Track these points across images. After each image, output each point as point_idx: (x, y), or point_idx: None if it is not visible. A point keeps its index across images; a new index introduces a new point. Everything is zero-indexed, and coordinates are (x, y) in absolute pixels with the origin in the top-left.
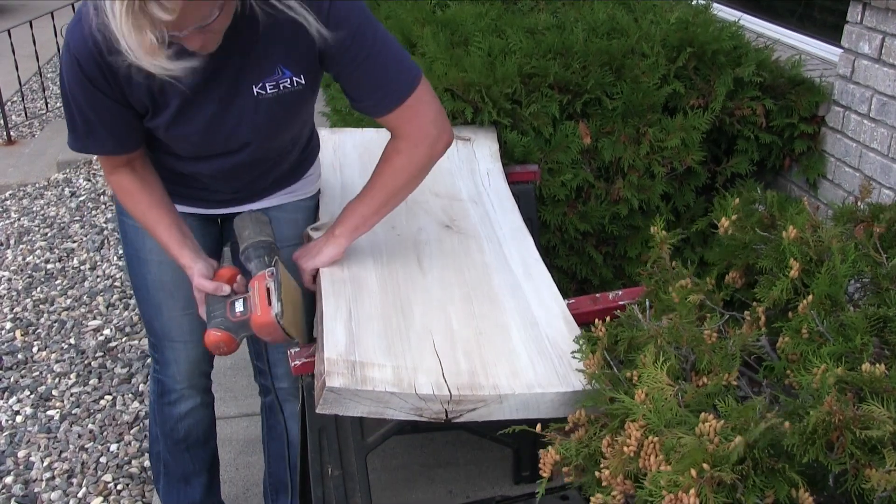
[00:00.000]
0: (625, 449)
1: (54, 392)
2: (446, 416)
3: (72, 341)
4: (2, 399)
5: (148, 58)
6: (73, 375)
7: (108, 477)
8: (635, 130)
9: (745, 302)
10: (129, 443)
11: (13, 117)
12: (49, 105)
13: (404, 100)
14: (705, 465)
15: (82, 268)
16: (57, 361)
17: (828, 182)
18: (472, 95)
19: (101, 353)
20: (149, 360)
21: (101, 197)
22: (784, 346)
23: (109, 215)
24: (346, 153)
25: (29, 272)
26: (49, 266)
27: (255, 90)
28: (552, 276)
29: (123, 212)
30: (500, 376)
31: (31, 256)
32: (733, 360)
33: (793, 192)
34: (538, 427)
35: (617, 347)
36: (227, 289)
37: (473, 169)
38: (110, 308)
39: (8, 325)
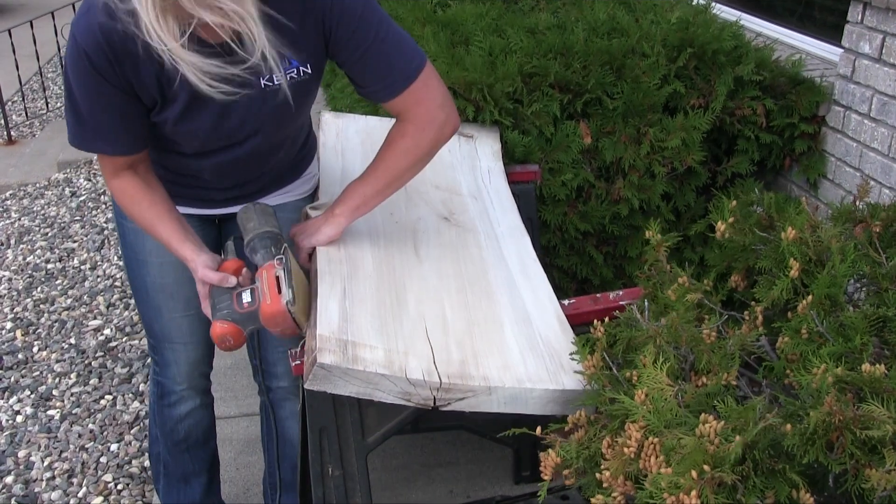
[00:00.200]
0: (625, 450)
1: (55, 392)
2: (434, 402)
3: (72, 341)
4: (2, 399)
5: (171, 43)
6: (73, 375)
7: (108, 477)
8: (636, 130)
9: (744, 302)
10: (130, 443)
11: (13, 117)
12: (49, 105)
13: (411, 83)
14: (706, 467)
15: (83, 267)
16: (57, 361)
17: (828, 182)
18: (473, 94)
19: (102, 353)
20: (149, 360)
21: (102, 197)
22: (784, 347)
23: (110, 215)
24: (349, 137)
25: (29, 272)
26: (49, 266)
27: (262, 82)
28: (552, 276)
29: (122, 214)
30: (491, 368)
31: (32, 256)
32: (732, 359)
33: (793, 192)
34: (538, 430)
35: (615, 348)
36: (233, 280)
37: (475, 165)
38: (111, 308)
39: (8, 325)
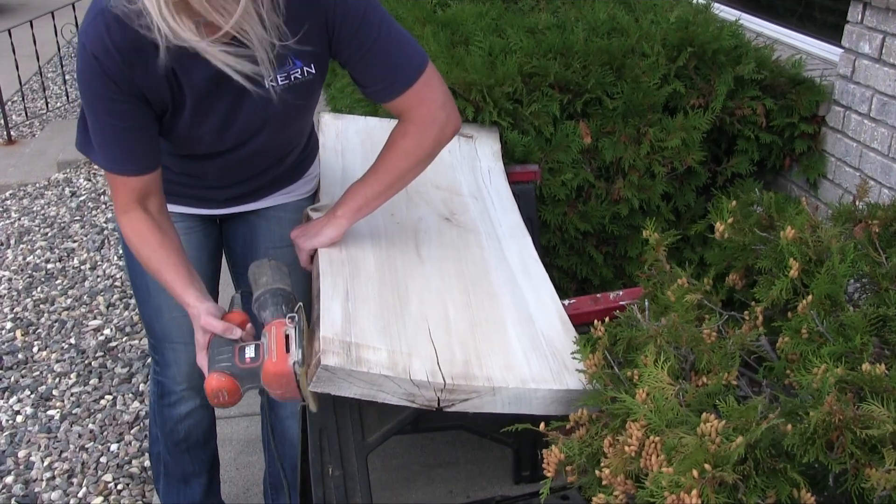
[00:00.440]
0: (626, 449)
1: (54, 392)
2: (438, 404)
3: (72, 341)
4: (2, 399)
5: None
6: (73, 375)
7: (108, 477)
8: (636, 130)
9: (744, 302)
10: (130, 443)
11: (13, 117)
12: (49, 105)
13: (413, 83)
14: (707, 466)
15: (82, 267)
16: (57, 361)
17: (828, 182)
18: (473, 95)
19: (102, 353)
20: (149, 360)
21: (102, 197)
22: (784, 346)
23: (109, 215)
24: (349, 138)
25: (29, 272)
26: (49, 266)
27: (267, 82)
28: (552, 276)
29: None
30: (495, 368)
31: (32, 256)
32: (732, 359)
33: (793, 192)
34: (542, 426)
35: (616, 347)
36: (238, 332)
37: (475, 166)
38: (110, 308)
39: (8, 325)
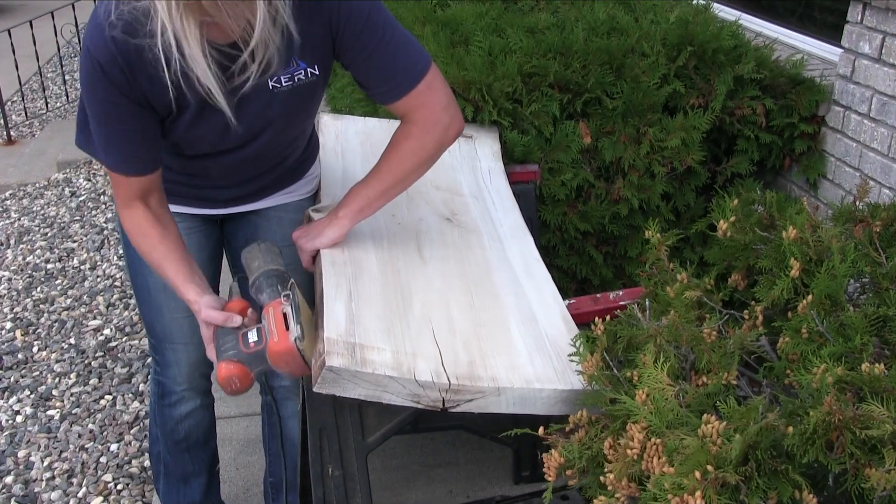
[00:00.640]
0: (628, 451)
1: (54, 392)
2: (443, 404)
3: (72, 341)
4: (2, 399)
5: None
6: (73, 375)
7: (108, 477)
8: (635, 130)
9: (744, 301)
10: (129, 443)
11: (13, 117)
12: (49, 105)
13: (416, 85)
14: (709, 467)
15: (82, 267)
16: (57, 361)
17: (828, 182)
18: (472, 94)
19: (102, 353)
20: (149, 360)
21: (101, 197)
22: (784, 346)
23: (109, 215)
24: (349, 139)
25: (29, 272)
26: (49, 266)
27: (270, 83)
28: (552, 276)
29: None
30: (499, 368)
31: (32, 256)
32: (732, 359)
33: (793, 192)
34: (541, 430)
35: (615, 347)
36: (238, 319)
37: (475, 166)
38: (110, 308)
39: (8, 325)
